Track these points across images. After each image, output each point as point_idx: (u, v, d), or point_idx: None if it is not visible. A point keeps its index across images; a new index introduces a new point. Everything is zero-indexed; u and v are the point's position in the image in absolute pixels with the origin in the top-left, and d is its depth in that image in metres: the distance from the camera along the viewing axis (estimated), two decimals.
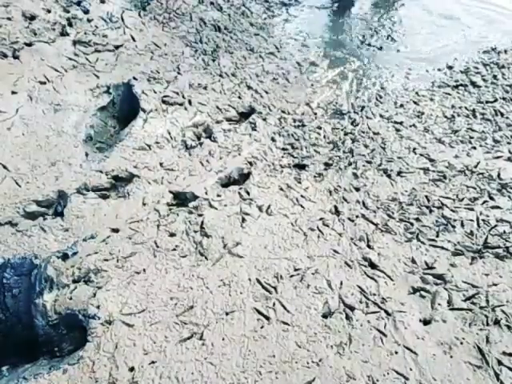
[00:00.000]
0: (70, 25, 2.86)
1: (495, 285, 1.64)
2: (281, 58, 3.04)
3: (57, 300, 1.51)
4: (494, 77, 2.84)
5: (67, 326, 1.46)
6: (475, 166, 2.17)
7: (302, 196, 2.02)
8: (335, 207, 1.98)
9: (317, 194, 2.04)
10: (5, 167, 2.04)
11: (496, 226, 1.86)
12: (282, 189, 2.07)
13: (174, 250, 1.75)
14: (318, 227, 1.88)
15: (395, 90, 2.77)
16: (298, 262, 1.73)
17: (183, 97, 2.56)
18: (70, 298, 1.51)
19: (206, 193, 2.02)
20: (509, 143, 2.34)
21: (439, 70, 2.98)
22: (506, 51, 3.04)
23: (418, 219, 1.90)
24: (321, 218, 1.92)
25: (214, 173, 2.13)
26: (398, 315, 1.56)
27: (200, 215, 1.90)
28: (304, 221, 1.91)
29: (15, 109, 2.30)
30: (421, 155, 2.27)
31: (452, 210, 1.94)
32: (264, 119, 2.48)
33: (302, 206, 1.97)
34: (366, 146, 2.34)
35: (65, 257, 1.65)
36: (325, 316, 1.56)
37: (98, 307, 1.52)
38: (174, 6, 3.31)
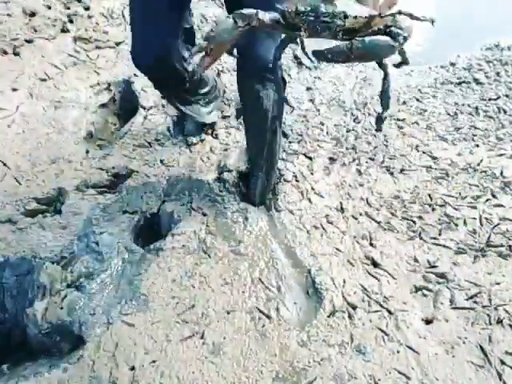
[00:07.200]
0: (71, 21, 2.84)
1: (498, 284, 1.62)
2: None
3: (47, 309, 1.46)
4: (497, 74, 2.81)
5: (60, 334, 1.43)
6: (478, 164, 2.15)
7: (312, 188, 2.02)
8: (341, 204, 1.96)
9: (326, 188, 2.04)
10: (5, 165, 2.03)
11: (499, 224, 1.84)
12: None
13: (181, 247, 1.74)
14: (321, 225, 1.87)
15: (398, 87, 2.74)
16: (301, 260, 1.73)
17: None
18: (61, 308, 1.47)
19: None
20: None
21: (442, 67, 2.95)
22: (509, 48, 3.01)
23: (420, 217, 1.89)
24: (326, 215, 1.91)
25: (214, 169, 2.11)
26: (400, 314, 1.55)
27: (204, 215, 1.88)
28: (309, 218, 1.90)
29: (16, 106, 2.29)
30: (423, 153, 2.25)
31: (455, 208, 1.93)
32: None
33: (309, 201, 1.97)
34: (369, 143, 2.32)
35: (61, 259, 1.62)
36: (327, 315, 1.55)
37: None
38: None
